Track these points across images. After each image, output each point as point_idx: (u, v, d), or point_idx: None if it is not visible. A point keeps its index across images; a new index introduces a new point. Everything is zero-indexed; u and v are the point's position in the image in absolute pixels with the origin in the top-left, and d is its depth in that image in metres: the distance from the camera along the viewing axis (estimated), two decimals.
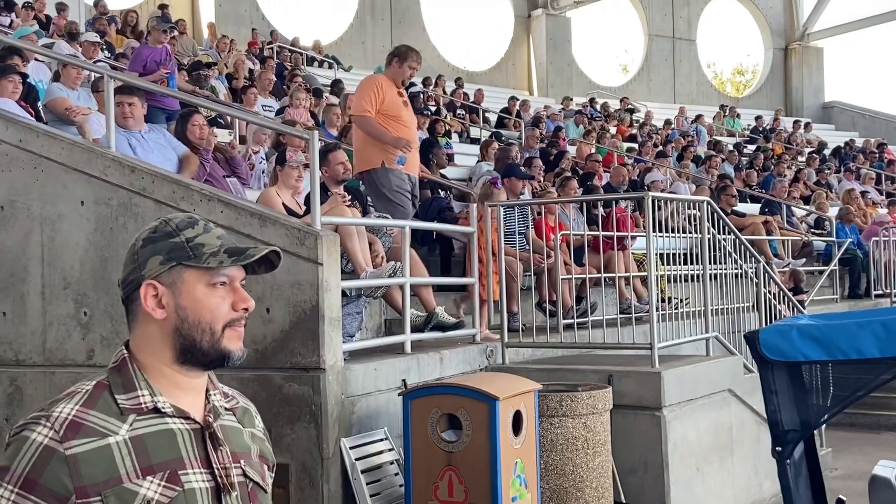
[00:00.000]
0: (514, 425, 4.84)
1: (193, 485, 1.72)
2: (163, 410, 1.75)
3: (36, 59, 8.23)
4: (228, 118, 9.20)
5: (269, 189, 6.21)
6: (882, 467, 3.16)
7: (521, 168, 9.40)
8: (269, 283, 5.08)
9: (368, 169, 7.03)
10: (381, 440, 5.29)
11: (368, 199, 7.13)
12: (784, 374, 3.09)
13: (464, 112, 17.94)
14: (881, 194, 17.96)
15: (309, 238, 5.06)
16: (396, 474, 5.27)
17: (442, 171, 9.90)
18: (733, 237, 7.44)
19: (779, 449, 3.10)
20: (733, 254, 7.47)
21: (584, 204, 9.39)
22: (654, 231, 6.14)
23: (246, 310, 1.80)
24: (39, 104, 7.18)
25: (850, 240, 12.46)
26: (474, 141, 15.48)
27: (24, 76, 6.92)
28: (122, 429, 1.70)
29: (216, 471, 1.75)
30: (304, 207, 6.11)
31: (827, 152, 21.88)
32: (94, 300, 5.41)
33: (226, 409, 1.85)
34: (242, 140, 9.13)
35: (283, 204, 5.91)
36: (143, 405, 1.73)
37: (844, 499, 3.39)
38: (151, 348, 1.78)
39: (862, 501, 3.42)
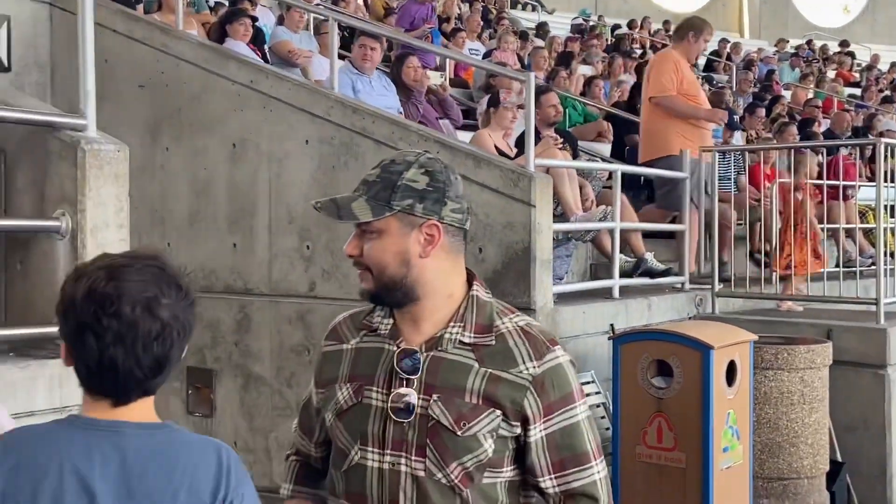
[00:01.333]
0: (727, 376, 4.72)
1: (371, 401, 1.85)
2: (380, 332, 1.91)
3: (262, 5, 8.61)
4: (438, 60, 9.31)
5: (481, 131, 6.26)
6: None
7: (734, 117, 9.03)
8: (482, 223, 5.14)
9: (664, 156, 6.70)
10: (589, 383, 5.30)
11: (578, 142, 7.06)
12: None
13: None
14: None
15: (522, 180, 5.07)
16: (603, 417, 5.26)
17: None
18: None
19: None
20: None
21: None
22: (884, 181, 5.77)
23: (351, 256, 1.88)
24: (266, 47, 7.51)
25: None
26: None
27: (254, 19, 7.26)
28: (354, 340, 1.94)
29: (391, 394, 1.84)
30: (514, 150, 6.13)
31: None
32: (317, 235, 5.66)
33: (464, 343, 1.84)
34: (458, 84, 9.25)
35: (495, 146, 5.95)
36: (373, 323, 1.93)
37: None
38: None
39: None
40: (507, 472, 1.86)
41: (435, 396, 1.81)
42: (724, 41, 19.18)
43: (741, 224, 7.27)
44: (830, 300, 6.40)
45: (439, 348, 1.84)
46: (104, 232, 3.11)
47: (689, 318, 6.16)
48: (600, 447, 1.93)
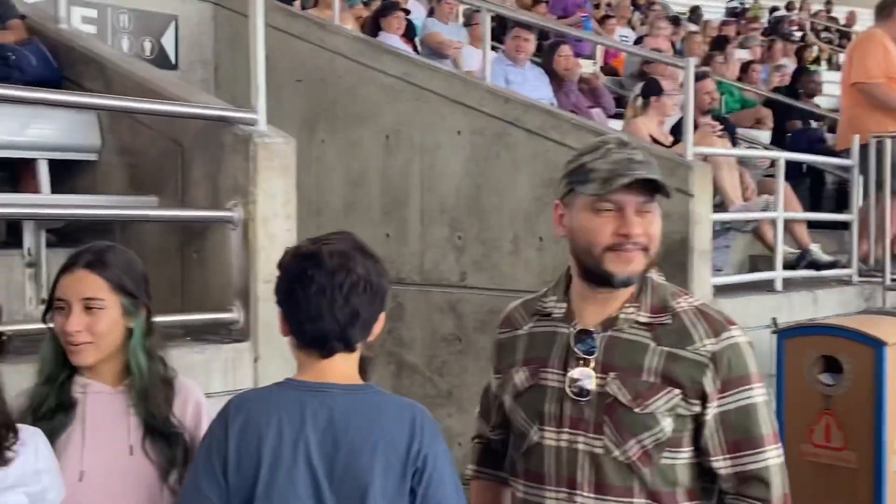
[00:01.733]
0: None
1: (547, 382, 1.89)
2: (554, 315, 1.93)
3: None
4: (591, 48, 9.19)
5: (634, 119, 6.13)
6: None
7: None
8: None
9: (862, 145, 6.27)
10: None
11: (737, 129, 6.83)
12: None
13: (832, 36, 16.61)
14: None
15: (680, 169, 4.94)
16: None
17: (812, 99, 9.24)
18: None
19: None
20: None
21: None
22: None
23: (627, 236, 1.80)
24: (416, 39, 7.59)
25: None
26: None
27: (407, 12, 7.34)
28: (527, 326, 1.98)
29: (567, 374, 1.86)
30: (670, 138, 5.98)
31: None
32: (468, 226, 5.68)
33: (640, 323, 1.86)
34: (608, 72, 9.12)
35: (650, 135, 5.81)
36: (546, 308, 1.96)
37: None
38: (570, 261, 1.94)
39: None
40: (686, 453, 1.84)
41: (612, 375, 1.83)
42: None
43: None
44: None
45: (615, 328, 1.86)
46: (273, 222, 3.21)
47: (858, 313, 5.88)
48: (777, 434, 1.89)
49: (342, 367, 1.88)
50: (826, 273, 6.02)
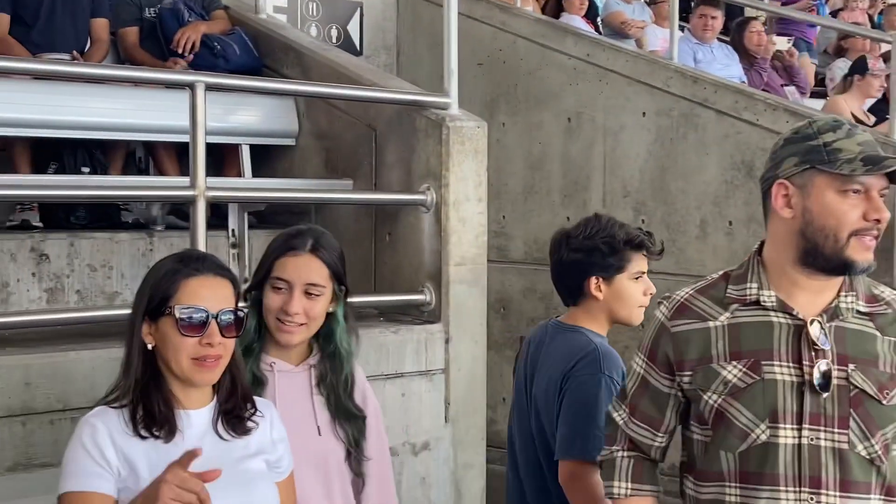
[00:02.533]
0: None
1: (776, 376, 1.78)
2: (764, 304, 1.81)
3: None
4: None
5: (836, 97, 5.84)
6: None
7: None
8: None
9: None
10: None
11: None
12: None
13: None
14: None
15: (886, 150, 4.65)
16: None
17: None
18: None
19: None
20: None
21: None
22: None
23: (878, 220, 1.73)
24: (598, 19, 7.47)
25: None
26: None
27: None
28: (723, 315, 1.85)
29: (804, 366, 1.75)
30: (872, 118, 5.65)
31: None
32: (652, 209, 5.55)
33: (860, 312, 1.80)
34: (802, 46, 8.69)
35: (851, 114, 5.52)
36: (748, 297, 1.84)
37: None
38: (777, 246, 1.83)
39: None
40: None
41: (852, 366, 1.76)
42: None
43: None
44: None
45: (839, 318, 1.80)
46: (465, 205, 3.23)
47: None
48: None
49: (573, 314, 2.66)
50: None
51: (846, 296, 1.81)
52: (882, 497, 1.77)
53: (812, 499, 1.75)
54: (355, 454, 2.16)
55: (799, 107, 5.30)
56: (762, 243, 1.88)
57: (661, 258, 2.64)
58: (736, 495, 1.81)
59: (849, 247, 1.74)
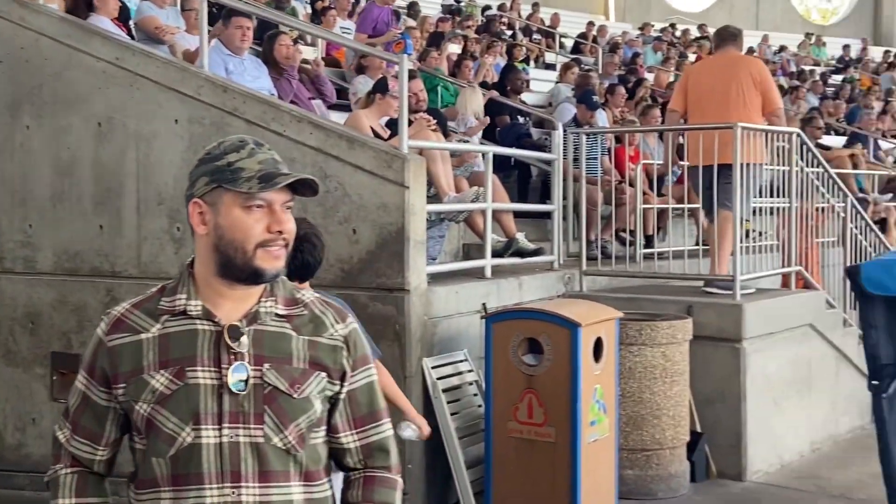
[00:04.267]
0: (594, 352, 4.91)
1: (199, 381, 1.89)
2: (190, 313, 1.92)
3: None
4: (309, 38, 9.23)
5: (357, 112, 6.26)
6: None
7: (595, 98, 9.34)
8: (356, 204, 5.16)
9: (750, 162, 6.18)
10: (462, 361, 5.41)
11: (449, 123, 7.12)
12: (885, 309, 3.09)
13: (539, 37, 17.68)
14: None
15: (396, 161, 5.11)
16: (476, 395, 5.38)
17: (519, 96, 9.83)
18: (821, 170, 7.30)
19: (875, 383, 3.12)
20: (821, 188, 7.34)
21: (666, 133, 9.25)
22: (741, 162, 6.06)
23: (280, 232, 1.90)
24: (131, 22, 7.29)
25: None
26: (549, 67, 15.27)
27: None
28: (155, 327, 1.93)
29: (223, 369, 1.88)
30: (388, 131, 6.16)
31: None
32: (185, 217, 5.56)
33: (279, 315, 1.95)
34: (330, 63, 9.20)
35: (371, 127, 5.96)
36: (176, 307, 1.93)
37: None
38: (201, 259, 1.95)
39: None
40: (323, 430, 2.00)
41: (266, 365, 1.91)
42: (590, 24, 19.65)
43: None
44: (689, 277, 6.70)
45: (259, 322, 1.94)
46: None
47: (558, 296, 6.35)
48: (387, 408, 2.11)
49: None
50: (532, 260, 6.44)
51: (266, 301, 1.95)
52: (302, 482, 1.94)
53: (234, 492, 1.88)
54: None
55: (323, 120, 5.62)
56: (194, 257, 1.99)
57: None
58: (169, 499, 1.90)
59: (256, 257, 1.88)
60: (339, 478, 2.08)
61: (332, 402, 1.99)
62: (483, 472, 5.04)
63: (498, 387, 4.94)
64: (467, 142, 7.25)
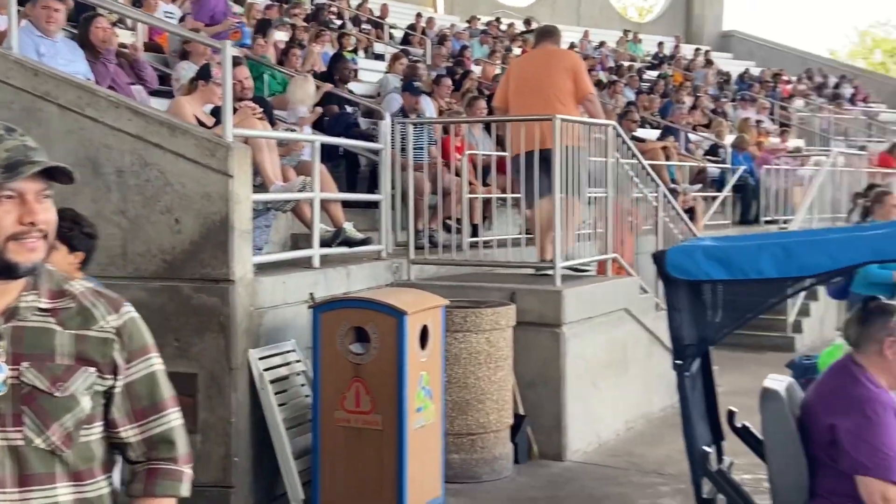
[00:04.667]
0: (420, 339, 4.98)
1: None
2: None
3: None
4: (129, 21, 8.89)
5: (179, 98, 6.09)
6: (772, 380, 3.40)
7: (416, 83, 9.45)
8: (178, 193, 5.03)
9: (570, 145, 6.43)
10: (290, 352, 5.37)
11: (278, 112, 7.03)
12: (688, 292, 3.28)
13: (369, 27, 17.68)
14: (774, 123, 18.59)
15: (219, 150, 5.02)
16: (304, 385, 5.36)
17: (348, 86, 9.81)
18: (636, 161, 7.66)
19: (679, 362, 3.31)
20: (635, 178, 7.70)
21: (492, 124, 9.46)
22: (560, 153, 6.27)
23: (33, 224, 1.80)
24: None
25: (743, 167, 12.90)
26: (378, 57, 15.30)
27: None
28: None
29: None
30: (213, 119, 6.02)
31: (717, 80, 22.43)
32: None
33: (42, 310, 1.85)
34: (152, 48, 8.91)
35: (194, 115, 5.81)
36: None
37: (735, 410, 3.64)
38: None
39: (745, 414, 3.68)
40: (99, 427, 1.91)
41: (25, 364, 1.81)
42: (419, 15, 19.81)
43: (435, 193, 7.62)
44: (513, 265, 6.90)
45: (18, 318, 1.84)
46: None
47: (387, 285, 6.40)
48: (176, 397, 2.02)
49: None
50: (360, 249, 6.46)
51: (27, 295, 1.85)
52: (71, 483, 1.85)
53: None
54: None
55: (142, 106, 5.44)
56: None
57: None
58: None
59: (9, 251, 1.78)
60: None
61: (107, 396, 1.89)
62: (311, 462, 5.03)
63: (325, 376, 4.94)
64: (294, 131, 7.18)
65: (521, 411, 6.07)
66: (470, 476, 5.59)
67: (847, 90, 24.51)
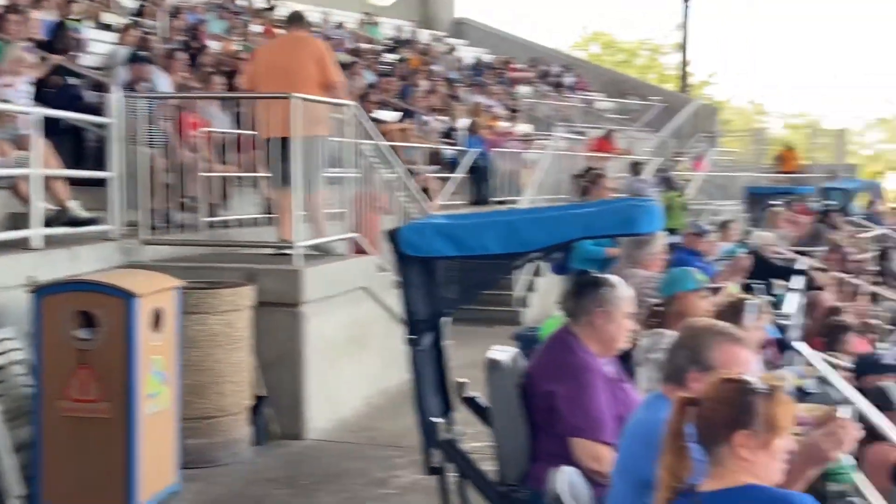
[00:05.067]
0: (154, 322, 4.81)
1: None
2: None
3: None
4: None
5: None
6: (496, 352, 3.59)
7: (141, 53, 9.08)
8: None
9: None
10: (7, 339, 5.01)
11: None
12: (419, 268, 3.39)
13: None
14: (505, 108, 19.44)
15: None
16: (24, 374, 5.03)
17: (75, 57, 9.21)
18: (375, 143, 7.77)
19: (412, 337, 3.41)
20: (373, 159, 7.81)
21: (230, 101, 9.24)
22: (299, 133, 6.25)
23: None
24: None
25: (478, 150, 13.41)
26: (108, 28, 14.49)
27: None
28: None
29: None
30: None
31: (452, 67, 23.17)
32: None
33: None
34: None
35: None
36: None
37: (466, 381, 3.80)
38: None
39: (477, 385, 3.86)
40: None
41: None
42: None
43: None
44: (252, 245, 6.81)
45: None
46: None
47: (118, 267, 6.11)
48: None
49: None
50: (87, 229, 6.13)
51: None
52: None
53: None
54: None
55: None
56: None
57: None
58: None
59: None
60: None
61: None
62: (32, 456, 4.73)
63: (48, 364, 4.66)
64: (9, 102, 6.66)
65: (263, 392, 6.01)
66: (207, 460, 5.48)
67: (569, 79, 26.06)
